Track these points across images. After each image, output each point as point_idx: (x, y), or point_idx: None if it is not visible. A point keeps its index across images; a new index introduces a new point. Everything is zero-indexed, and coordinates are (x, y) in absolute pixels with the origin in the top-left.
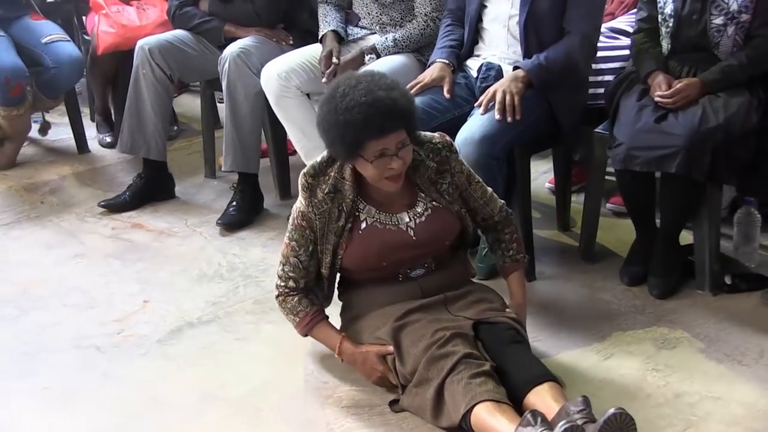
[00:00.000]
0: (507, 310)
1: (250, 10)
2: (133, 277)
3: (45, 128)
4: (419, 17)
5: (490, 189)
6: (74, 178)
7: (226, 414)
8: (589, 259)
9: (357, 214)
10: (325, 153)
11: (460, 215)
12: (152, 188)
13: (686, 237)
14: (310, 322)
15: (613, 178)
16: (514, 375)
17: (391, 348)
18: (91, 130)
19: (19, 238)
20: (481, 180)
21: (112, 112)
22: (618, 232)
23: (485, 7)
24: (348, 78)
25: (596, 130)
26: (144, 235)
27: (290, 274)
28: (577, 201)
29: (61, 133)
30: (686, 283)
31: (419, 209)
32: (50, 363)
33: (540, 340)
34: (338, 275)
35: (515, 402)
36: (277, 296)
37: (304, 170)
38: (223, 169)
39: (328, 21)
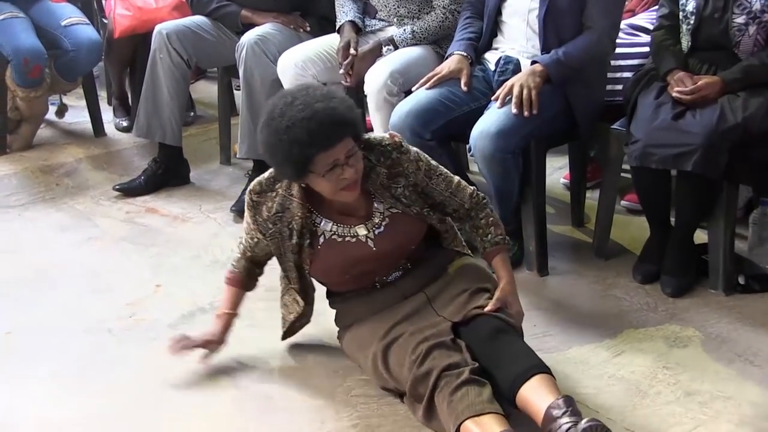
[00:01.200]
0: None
1: None
2: (146, 261)
3: (62, 111)
4: (437, 9)
5: (457, 178)
6: (90, 161)
7: (236, 400)
8: (602, 256)
9: (314, 229)
10: (271, 170)
11: (422, 216)
12: (167, 173)
13: (701, 236)
14: (233, 280)
15: (629, 176)
16: (499, 375)
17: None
18: (107, 114)
19: (33, 219)
20: (445, 172)
21: (129, 96)
22: (632, 230)
23: (505, 0)
24: (282, 96)
25: (613, 126)
26: (158, 219)
27: (242, 242)
28: (592, 197)
29: (77, 116)
30: (699, 283)
31: (376, 220)
32: (62, 345)
33: (551, 335)
34: (312, 286)
35: (509, 397)
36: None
37: (250, 187)
38: (238, 156)
39: (345, 11)
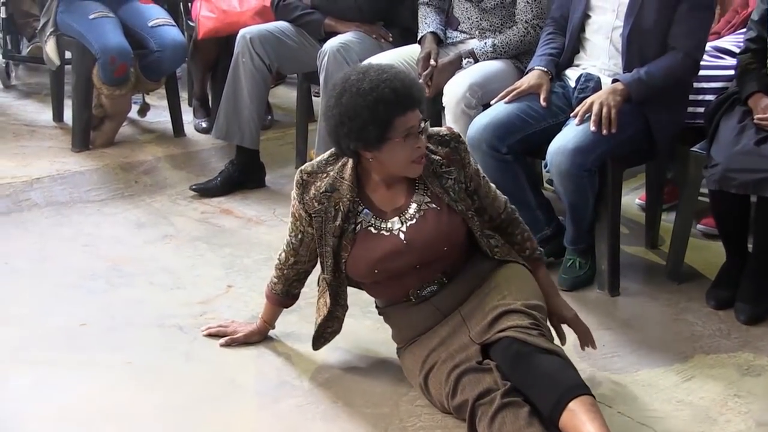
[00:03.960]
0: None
1: (352, 4)
2: (219, 261)
3: (144, 110)
4: (519, 24)
5: (494, 186)
6: (168, 161)
7: (301, 402)
8: (676, 279)
9: (355, 218)
10: (326, 153)
11: (466, 216)
12: (243, 176)
13: None
14: (271, 299)
15: (706, 199)
16: (535, 403)
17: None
18: (188, 115)
19: (112, 214)
20: (485, 177)
21: (210, 98)
22: (707, 254)
23: (589, 17)
24: (351, 70)
25: (693, 149)
26: (232, 221)
27: (284, 248)
28: (667, 220)
29: (159, 115)
30: None
31: (411, 211)
32: (134, 339)
33: (619, 355)
34: (346, 283)
35: (551, 424)
36: (277, 260)
37: (302, 167)
38: None
39: (428, 23)
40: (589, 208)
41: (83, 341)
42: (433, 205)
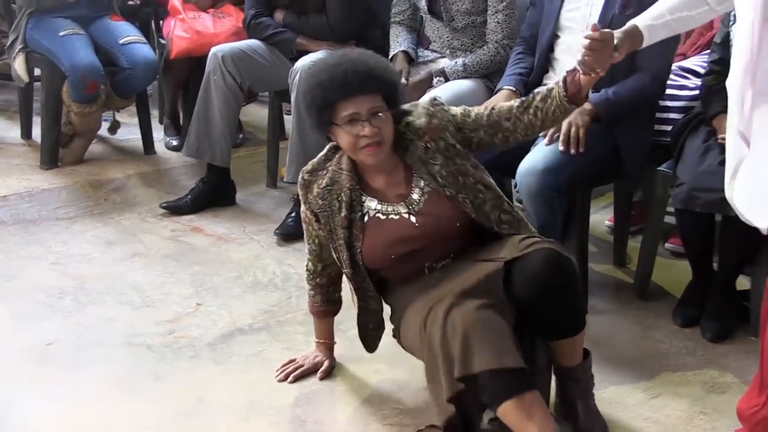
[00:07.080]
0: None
1: (323, 24)
2: (189, 279)
3: (114, 127)
4: (490, 44)
5: (497, 107)
6: (138, 178)
7: (270, 422)
8: (643, 297)
9: (360, 207)
10: (324, 150)
11: (456, 200)
12: (214, 193)
13: (743, 282)
14: (316, 314)
15: (673, 219)
16: (538, 326)
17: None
18: (158, 132)
19: (81, 232)
20: (476, 110)
21: (181, 116)
22: (674, 273)
23: (558, 36)
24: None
25: (659, 168)
26: (202, 239)
27: (308, 256)
28: (634, 241)
29: (129, 133)
30: (740, 329)
31: (415, 196)
32: (102, 357)
33: None
34: (367, 276)
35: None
36: (306, 272)
37: (304, 168)
38: (285, 179)
39: (399, 41)
40: (558, 227)
41: (51, 360)
42: (433, 186)
